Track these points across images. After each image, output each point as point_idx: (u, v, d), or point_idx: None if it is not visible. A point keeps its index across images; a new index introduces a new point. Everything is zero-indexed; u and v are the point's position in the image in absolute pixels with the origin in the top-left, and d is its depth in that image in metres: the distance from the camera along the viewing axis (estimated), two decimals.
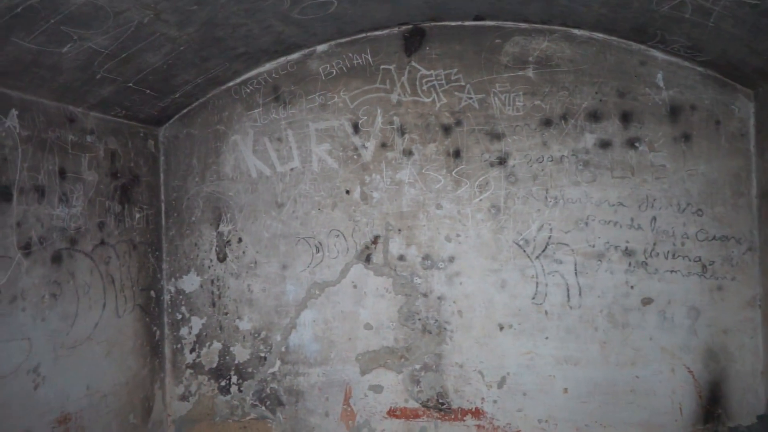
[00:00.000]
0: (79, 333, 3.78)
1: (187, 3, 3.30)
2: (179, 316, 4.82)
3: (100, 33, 3.23)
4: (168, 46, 3.71)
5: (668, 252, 4.19)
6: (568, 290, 4.33)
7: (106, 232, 4.08)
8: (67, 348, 3.67)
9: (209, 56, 4.11)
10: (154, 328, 4.67)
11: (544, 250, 4.36)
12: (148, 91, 4.14)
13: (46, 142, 3.53)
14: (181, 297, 4.81)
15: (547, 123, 4.35)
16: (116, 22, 3.20)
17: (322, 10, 3.93)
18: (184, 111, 4.78)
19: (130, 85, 3.93)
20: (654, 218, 4.21)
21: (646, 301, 4.22)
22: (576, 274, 4.32)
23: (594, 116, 4.29)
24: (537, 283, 4.38)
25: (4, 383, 3.18)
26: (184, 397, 4.81)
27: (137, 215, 4.44)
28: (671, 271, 4.19)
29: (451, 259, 4.48)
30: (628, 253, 4.24)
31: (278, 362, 4.68)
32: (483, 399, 4.44)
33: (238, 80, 4.70)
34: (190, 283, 4.79)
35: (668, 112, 4.19)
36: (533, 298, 4.38)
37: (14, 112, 3.30)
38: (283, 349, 4.67)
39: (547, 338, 4.35)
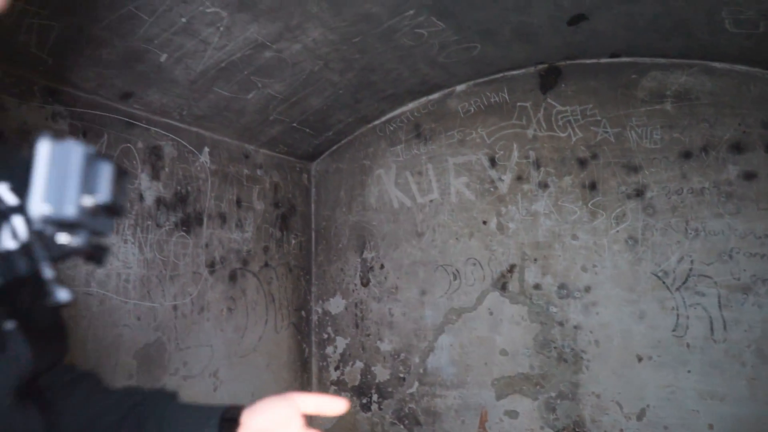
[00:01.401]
0: (247, 344, 4.25)
1: (351, 52, 3.75)
2: (325, 336, 5.22)
3: (279, 81, 3.74)
4: (329, 90, 4.18)
5: None
6: (711, 323, 4.26)
7: (269, 255, 4.57)
8: (239, 357, 4.14)
9: (362, 98, 4.55)
10: (304, 346, 5.09)
11: (684, 282, 4.33)
12: (308, 130, 4.65)
13: (227, 176, 4.08)
14: (327, 318, 5.22)
15: (686, 155, 4.37)
16: (293, 71, 3.69)
17: (466, 53, 4.26)
18: (334, 147, 5.27)
19: (294, 125, 4.44)
20: None
21: None
22: (720, 307, 4.24)
23: (737, 147, 4.25)
24: (677, 315, 4.34)
25: (194, 382, 3.67)
26: None
27: (293, 241, 4.92)
28: None
29: (587, 289, 4.55)
30: None
31: (416, 383, 4.93)
32: (621, 430, 4.42)
33: (383, 119, 5.13)
34: (336, 305, 5.20)
35: None
36: (674, 330, 4.35)
37: (206, 149, 3.87)
38: (421, 371, 4.92)
39: (689, 371, 4.29)
